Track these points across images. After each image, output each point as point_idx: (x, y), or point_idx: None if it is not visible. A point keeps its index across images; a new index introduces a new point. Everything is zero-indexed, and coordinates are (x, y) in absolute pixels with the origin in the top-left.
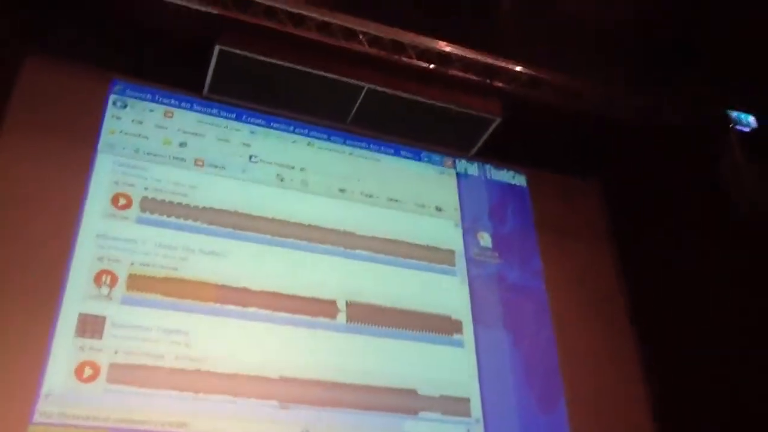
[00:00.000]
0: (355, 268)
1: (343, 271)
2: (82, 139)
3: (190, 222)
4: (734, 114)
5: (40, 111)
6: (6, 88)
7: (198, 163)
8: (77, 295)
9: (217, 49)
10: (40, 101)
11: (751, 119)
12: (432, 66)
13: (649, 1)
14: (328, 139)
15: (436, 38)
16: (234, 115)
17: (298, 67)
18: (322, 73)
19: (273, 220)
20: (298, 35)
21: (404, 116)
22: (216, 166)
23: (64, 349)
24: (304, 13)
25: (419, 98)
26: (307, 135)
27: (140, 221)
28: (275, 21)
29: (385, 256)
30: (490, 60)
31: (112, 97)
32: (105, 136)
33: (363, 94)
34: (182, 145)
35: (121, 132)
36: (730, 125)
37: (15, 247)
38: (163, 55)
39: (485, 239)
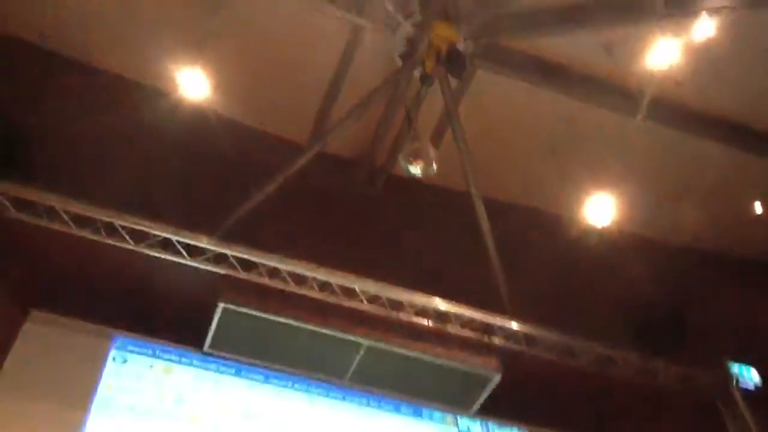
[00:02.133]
0: None
1: None
2: (77, 396)
3: None
4: (735, 368)
5: (37, 368)
6: (6, 341)
7: (193, 420)
8: None
9: (220, 307)
10: (38, 357)
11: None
12: (430, 323)
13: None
14: (327, 396)
15: (434, 296)
16: (233, 371)
17: (299, 324)
18: (322, 330)
19: None
20: (299, 294)
21: (404, 373)
22: (211, 423)
23: None
24: (307, 273)
25: (418, 355)
26: (306, 391)
27: None
28: (278, 280)
29: None
30: (487, 318)
31: (112, 353)
32: (101, 392)
33: (362, 351)
34: (178, 401)
35: (118, 388)
36: (733, 382)
37: None
38: (166, 312)
39: None
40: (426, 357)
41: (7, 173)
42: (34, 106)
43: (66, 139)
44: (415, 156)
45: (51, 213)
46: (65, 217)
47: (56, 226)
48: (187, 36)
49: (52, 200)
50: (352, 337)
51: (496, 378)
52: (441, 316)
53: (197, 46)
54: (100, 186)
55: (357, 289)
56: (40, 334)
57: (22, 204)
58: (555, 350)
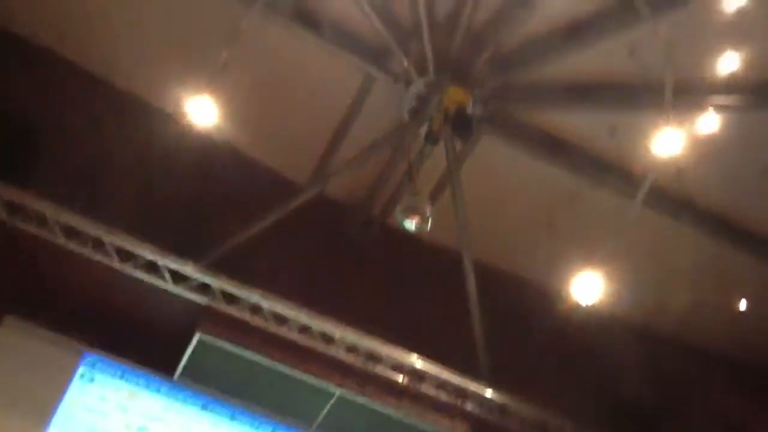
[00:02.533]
0: None
1: None
2: (38, 409)
3: None
4: None
5: (1, 374)
6: None
7: None
8: None
9: (197, 336)
10: (3, 363)
11: None
12: (405, 380)
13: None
14: None
15: (412, 353)
16: (200, 404)
17: (273, 365)
18: (296, 373)
19: None
20: (278, 334)
21: (372, 427)
22: None
23: None
24: (288, 314)
25: (389, 411)
26: None
27: None
28: (259, 317)
29: None
30: (462, 382)
31: (80, 369)
32: (64, 408)
33: (334, 399)
34: (141, 429)
35: (82, 406)
36: None
37: None
38: (142, 335)
39: None
40: (396, 414)
41: (4, 174)
42: (46, 111)
43: (69, 149)
44: (411, 211)
45: (41, 220)
46: (55, 226)
47: (44, 235)
48: (200, 63)
49: (45, 208)
50: (325, 385)
51: None
52: (417, 374)
53: (209, 74)
54: (96, 201)
55: (336, 336)
56: (10, 341)
57: (14, 207)
58: (527, 424)
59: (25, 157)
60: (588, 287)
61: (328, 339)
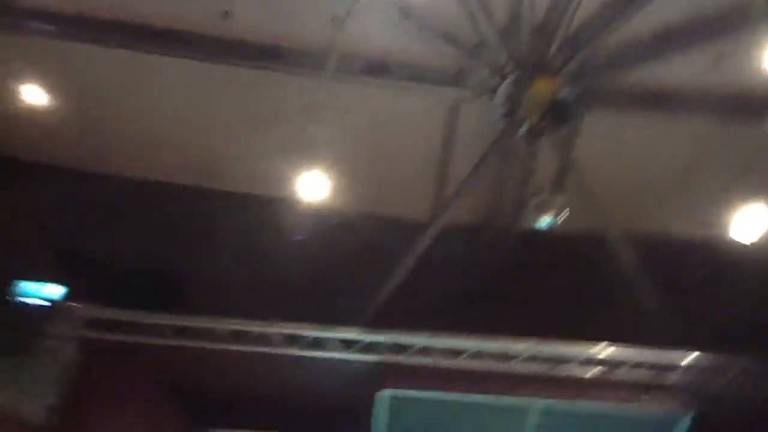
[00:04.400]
0: None
1: None
2: None
3: None
4: None
5: None
6: None
7: None
8: None
9: (385, 394)
10: None
11: None
12: (602, 370)
13: None
14: None
15: (598, 342)
16: None
17: (468, 398)
18: (491, 399)
19: None
20: (457, 368)
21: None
22: None
23: None
24: (462, 345)
25: (594, 409)
26: None
27: None
28: (432, 357)
29: None
30: (660, 356)
31: None
32: None
33: (533, 415)
34: None
35: None
36: None
37: None
38: (322, 410)
39: None
40: (605, 408)
41: (166, 305)
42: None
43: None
44: (541, 209)
45: (210, 334)
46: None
47: (218, 346)
48: (297, 142)
49: (212, 322)
50: (524, 402)
51: (689, 417)
52: (609, 363)
53: (308, 150)
54: (241, 298)
55: (516, 351)
56: None
57: (182, 331)
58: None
59: (178, 286)
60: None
61: (503, 357)
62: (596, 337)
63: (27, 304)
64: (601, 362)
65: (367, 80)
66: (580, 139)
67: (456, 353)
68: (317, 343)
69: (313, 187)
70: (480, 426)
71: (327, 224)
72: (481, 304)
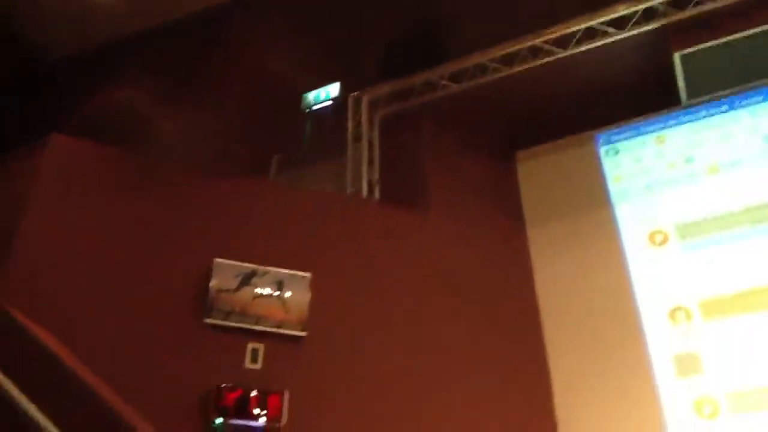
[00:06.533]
0: None
1: None
2: (587, 196)
3: (735, 230)
4: None
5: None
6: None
7: (712, 170)
8: (662, 338)
9: (677, 56)
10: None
11: None
12: None
13: None
14: None
15: None
16: (725, 107)
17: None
18: None
19: None
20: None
21: None
22: (733, 165)
23: (673, 391)
24: None
25: None
26: None
27: (684, 249)
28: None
29: None
30: None
31: (602, 149)
32: (613, 187)
33: None
34: (688, 160)
35: (626, 176)
36: None
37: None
38: (624, 90)
39: None
40: None
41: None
42: None
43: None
44: None
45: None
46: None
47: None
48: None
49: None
50: None
51: None
52: None
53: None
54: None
55: None
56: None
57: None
58: None
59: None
60: None
61: None
62: None
63: (319, 110)
64: None
65: None
66: None
67: None
68: (589, 35)
69: None
70: None
71: None
72: None
